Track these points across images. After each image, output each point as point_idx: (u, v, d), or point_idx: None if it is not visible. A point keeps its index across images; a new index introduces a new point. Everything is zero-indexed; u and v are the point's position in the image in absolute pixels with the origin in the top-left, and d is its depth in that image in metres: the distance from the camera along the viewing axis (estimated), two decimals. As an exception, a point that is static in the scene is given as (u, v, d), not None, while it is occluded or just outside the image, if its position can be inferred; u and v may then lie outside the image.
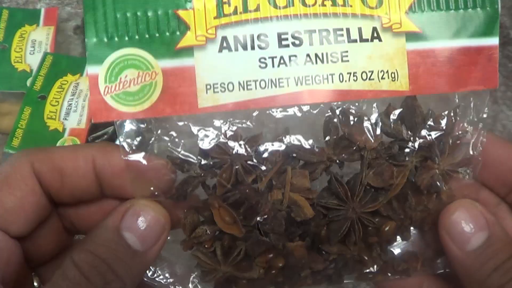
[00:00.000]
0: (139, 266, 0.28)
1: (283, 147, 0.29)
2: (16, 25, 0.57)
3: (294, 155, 0.29)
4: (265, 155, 0.29)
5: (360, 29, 0.28)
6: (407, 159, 0.30)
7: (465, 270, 0.29)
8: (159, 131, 0.29)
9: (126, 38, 0.26)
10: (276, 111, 0.29)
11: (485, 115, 0.31)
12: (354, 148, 0.30)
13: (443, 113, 0.30)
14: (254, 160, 0.29)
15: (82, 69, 0.53)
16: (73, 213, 0.31)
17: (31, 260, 0.29)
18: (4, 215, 0.27)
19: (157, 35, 0.27)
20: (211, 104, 0.27)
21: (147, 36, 0.27)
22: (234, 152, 0.28)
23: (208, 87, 0.27)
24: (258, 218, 0.29)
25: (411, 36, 0.29)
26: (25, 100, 0.50)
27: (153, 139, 0.29)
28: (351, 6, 0.28)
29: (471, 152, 0.31)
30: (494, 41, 0.29)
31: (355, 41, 0.28)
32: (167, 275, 0.31)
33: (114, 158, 0.29)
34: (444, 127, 0.30)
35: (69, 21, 0.62)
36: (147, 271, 0.31)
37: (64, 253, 0.31)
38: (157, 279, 0.32)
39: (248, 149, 0.29)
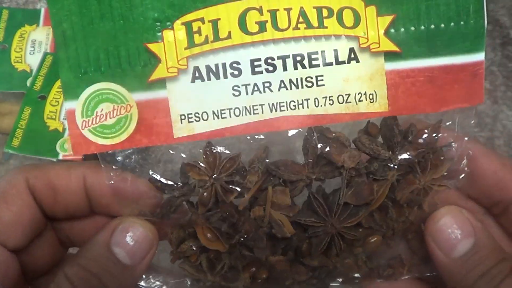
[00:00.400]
0: (129, 280, 0.29)
1: (262, 165, 0.30)
2: (16, 25, 0.56)
3: (274, 173, 0.30)
4: (244, 173, 0.30)
5: (336, 51, 0.27)
6: (388, 173, 0.30)
7: (451, 277, 0.30)
8: (140, 157, 0.29)
9: (99, 73, 0.27)
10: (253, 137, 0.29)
11: (470, 128, 0.30)
12: (333, 166, 0.30)
13: (425, 130, 0.30)
14: (233, 179, 0.29)
15: (82, 69, 0.53)
16: (67, 227, 0.32)
17: (28, 272, 0.31)
18: (1, 229, 0.29)
19: (129, 68, 0.27)
20: (186, 133, 0.28)
21: (119, 70, 0.27)
22: (213, 172, 0.29)
23: (183, 117, 0.27)
24: (239, 235, 0.30)
25: (390, 56, 0.28)
26: (25, 100, 0.50)
27: (135, 164, 0.29)
28: (326, 27, 0.27)
29: (456, 165, 0.31)
30: (479, 57, 0.28)
31: (331, 64, 0.27)
32: (159, 283, 0.33)
33: (103, 178, 0.30)
34: (426, 143, 0.30)
35: (69, 20, 0.61)
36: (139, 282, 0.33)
37: (60, 266, 0.33)
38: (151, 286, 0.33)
39: (227, 169, 0.29)
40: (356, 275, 0.33)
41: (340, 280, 0.33)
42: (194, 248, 0.31)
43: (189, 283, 0.33)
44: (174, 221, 0.31)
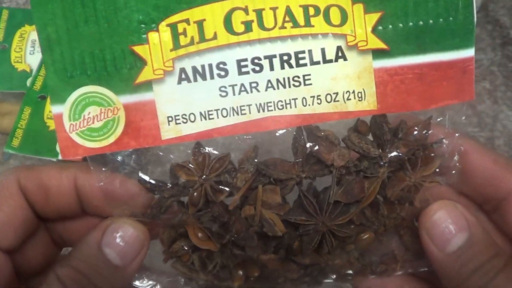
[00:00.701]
0: (120, 281, 0.29)
1: (252, 164, 0.30)
2: (16, 25, 0.56)
3: (264, 172, 0.30)
4: (234, 173, 0.30)
5: (323, 50, 0.27)
6: (378, 170, 0.30)
7: (445, 271, 0.30)
8: (131, 159, 0.29)
9: (85, 76, 0.27)
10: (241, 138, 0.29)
11: (461, 124, 0.30)
12: (323, 165, 0.30)
13: (415, 125, 0.29)
14: (223, 179, 0.29)
15: (82, 69, 0.53)
16: (60, 228, 0.33)
17: (21, 273, 0.31)
18: None
19: (115, 71, 0.27)
20: (174, 135, 0.28)
21: (105, 73, 0.27)
22: (202, 173, 0.29)
23: (170, 119, 0.27)
24: (230, 235, 0.30)
25: (378, 54, 0.27)
26: (25, 100, 0.50)
27: (124, 166, 0.29)
28: (313, 26, 0.27)
29: (448, 161, 0.30)
30: (469, 53, 0.27)
31: (318, 63, 0.27)
32: (152, 282, 0.33)
33: (93, 180, 0.30)
34: (416, 140, 0.29)
35: (69, 20, 0.61)
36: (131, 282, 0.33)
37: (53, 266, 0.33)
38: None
39: (217, 169, 0.29)
40: (349, 271, 0.33)
41: (333, 277, 0.33)
42: (186, 248, 0.31)
43: (182, 281, 0.33)
44: (165, 221, 0.31)
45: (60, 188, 0.30)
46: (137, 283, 0.33)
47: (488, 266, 0.28)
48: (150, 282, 0.33)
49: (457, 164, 0.31)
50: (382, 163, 0.29)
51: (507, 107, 0.47)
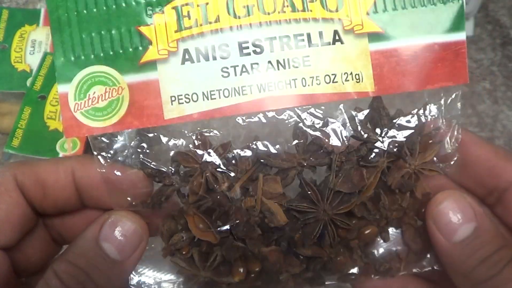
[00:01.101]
0: (118, 275, 0.29)
1: (252, 154, 0.30)
2: (16, 25, 0.57)
3: (265, 162, 0.30)
4: (235, 162, 0.30)
5: (321, 33, 0.28)
6: (378, 159, 0.30)
7: (451, 262, 0.29)
8: (132, 143, 0.30)
9: (92, 56, 0.28)
10: (242, 119, 0.29)
11: (459, 112, 0.30)
12: (323, 151, 0.30)
13: (412, 112, 0.30)
14: (223, 168, 0.30)
15: (82, 69, 0.53)
16: (59, 223, 0.32)
17: (20, 270, 0.31)
18: None
19: (121, 51, 0.28)
20: (177, 115, 0.28)
21: (111, 53, 0.28)
22: (203, 160, 0.29)
23: (173, 98, 0.28)
24: (230, 224, 0.30)
25: (374, 37, 0.29)
26: (25, 100, 0.50)
27: (126, 151, 0.30)
28: (310, 10, 0.28)
29: (446, 149, 0.31)
30: (461, 36, 0.29)
31: (316, 45, 0.28)
32: (151, 282, 0.32)
33: (92, 170, 0.30)
34: (413, 126, 0.30)
35: (68, 21, 0.62)
36: (130, 280, 0.32)
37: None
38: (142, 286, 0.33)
39: (217, 157, 0.30)
40: (352, 271, 0.33)
41: (336, 277, 0.33)
42: (186, 239, 0.31)
43: (181, 279, 0.32)
44: (165, 212, 0.31)
45: (57, 183, 0.30)
46: (134, 279, 0.32)
47: (496, 257, 0.28)
48: (150, 281, 0.32)
49: (456, 153, 0.31)
50: (380, 149, 0.30)
51: (507, 107, 0.47)
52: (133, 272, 0.32)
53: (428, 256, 0.33)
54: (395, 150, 0.30)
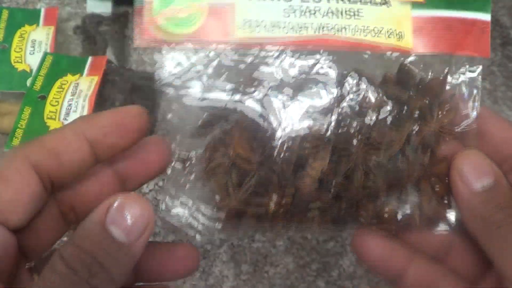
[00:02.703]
0: (126, 258, 0.28)
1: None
2: (16, 25, 0.56)
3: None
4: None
5: (372, -5, 0.34)
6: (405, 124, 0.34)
7: (470, 210, 0.32)
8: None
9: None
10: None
11: (479, 83, 0.35)
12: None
13: (433, 78, 0.35)
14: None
15: (82, 69, 0.53)
16: (72, 195, 0.32)
17: (30, 253, 0.30)
18: (1, 208, 0.28)
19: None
20: (248, 35, 0.32)
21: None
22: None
23: (245, 21, 0.32)
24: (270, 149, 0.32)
25: (416, 5, 0.34)
26: (25, 100, 0.50)
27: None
28: (366, -24, 0.34)
29: (466, 118, 0.35)
30: (486, 17, 0.34)
31: (367, 3, 0.34)
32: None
33: (102, 119, 0.30)
34: (434, 91, 0.34)
35: (69, 21, 0.62)
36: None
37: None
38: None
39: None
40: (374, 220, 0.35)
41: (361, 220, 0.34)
42: (225, 162, 0.33)
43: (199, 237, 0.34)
44: (210, 138, 0.34)
45: (70, 146, 0.30)
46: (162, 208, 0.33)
47: None
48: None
49: (475, 123, 0.35)
50: (408, 110, 0.34)
51: (507, 107, 0.51)
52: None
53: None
54: (418, 112, 0.34)
